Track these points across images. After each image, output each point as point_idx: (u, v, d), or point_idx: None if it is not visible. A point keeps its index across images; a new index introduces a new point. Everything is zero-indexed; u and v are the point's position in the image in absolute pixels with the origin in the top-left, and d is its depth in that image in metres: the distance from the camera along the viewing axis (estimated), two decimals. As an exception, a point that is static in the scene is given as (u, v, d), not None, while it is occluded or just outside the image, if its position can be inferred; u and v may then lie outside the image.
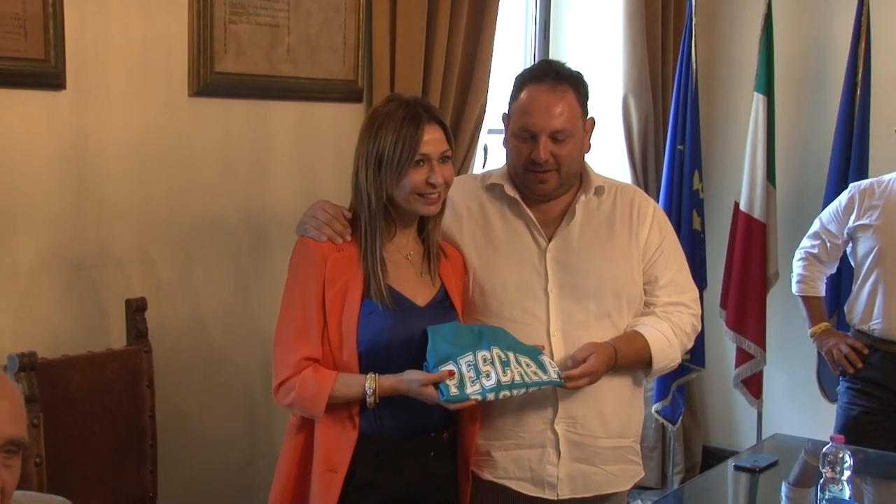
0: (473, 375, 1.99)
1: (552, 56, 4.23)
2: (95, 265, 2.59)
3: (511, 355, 2.06)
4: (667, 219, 2.38)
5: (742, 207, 4.02)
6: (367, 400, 2.01)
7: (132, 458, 2.35)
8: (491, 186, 2.30)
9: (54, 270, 2.51)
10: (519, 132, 2.20)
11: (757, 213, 3.98)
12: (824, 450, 2.15)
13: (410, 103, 2.08)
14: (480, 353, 2.02)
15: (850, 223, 3.25)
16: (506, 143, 2.28)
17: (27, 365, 2.05)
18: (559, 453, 2.22)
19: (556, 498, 2.23)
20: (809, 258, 3.41)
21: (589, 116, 2.26)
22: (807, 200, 4.17)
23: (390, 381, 2.01)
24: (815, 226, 3.40)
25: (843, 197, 3.32)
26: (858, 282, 3.26)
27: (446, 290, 2.16)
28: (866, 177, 3.77)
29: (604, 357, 2.15)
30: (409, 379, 2.00)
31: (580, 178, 2.29)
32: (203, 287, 2.85)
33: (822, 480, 2.13)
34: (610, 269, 2.25)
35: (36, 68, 2.39)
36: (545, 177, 2.19)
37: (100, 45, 2.54)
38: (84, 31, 2.50)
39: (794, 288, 3.47)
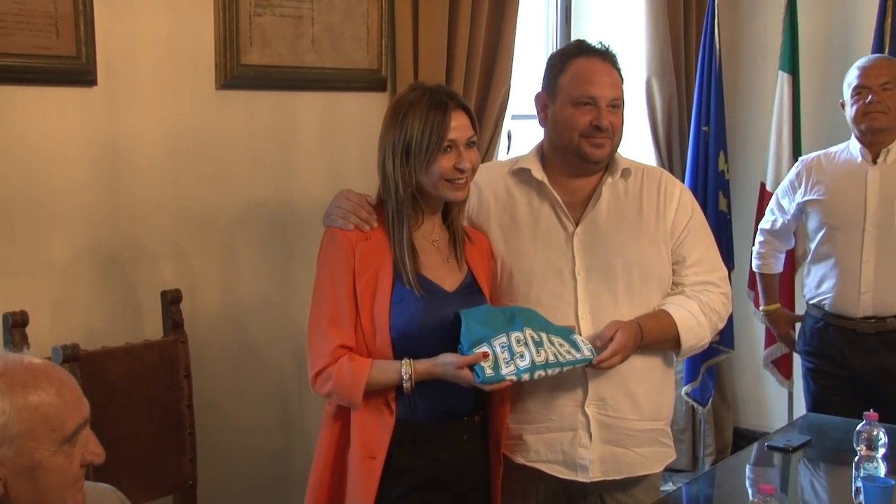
0: (507, 356, 2.01)
1: (574, 39, 4.23)
2: (129, 258, 2.63)
3: (544, 336, 2.07)
4: (694, 199, 2.38)
5: (768, 188, 3.99)
6: (404, 385, 2.02)
7: (172, 446, 2.39)
8: (518, 171, 2.32)
9: (89, 264, 2.55)
10: (578, 99, 2.22)
11: (783, 194, 3.97)
12: (858, 427, 2.14)
13: (435, 91, 2.09)
14: (514, 335, 2.04)
15: (799, 199, 3.26)
16: (546, 120, 2.30)
17: (70, 356, 2.09)
18: (591, 436, 2.23)
19: (587, 480, 2.25)
20: (765, 234, 3.47)
21: None
22: (834, 179, 4.15)
23: (425, 365, 2.03)
24: (773, 201, 3.44)
25: (792, 172, 3.34)
26: (810, 256, 3.29)
27: (473, 275, 2.18)
28: (894, 154, 3.76)
29: (629, 332, 2.15)
30: (444, 362, 2.01)
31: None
32: (233, 277, 2.88)
33: (856, 458, 2.13)
34: (637, 251, 2.25)
35: (68, 65, 2.43)
36: (603, 141, 2.22)
37: (129, 41, 2.58)
38: (113, 28, 2.53)
39: (753, 264, 3.55)
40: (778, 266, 3.50)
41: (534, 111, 4.30)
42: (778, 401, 4.39)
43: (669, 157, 4.24)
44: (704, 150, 4.06)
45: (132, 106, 2.60)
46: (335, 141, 3.11)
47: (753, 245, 3.53)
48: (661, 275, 2.28)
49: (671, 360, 2.35)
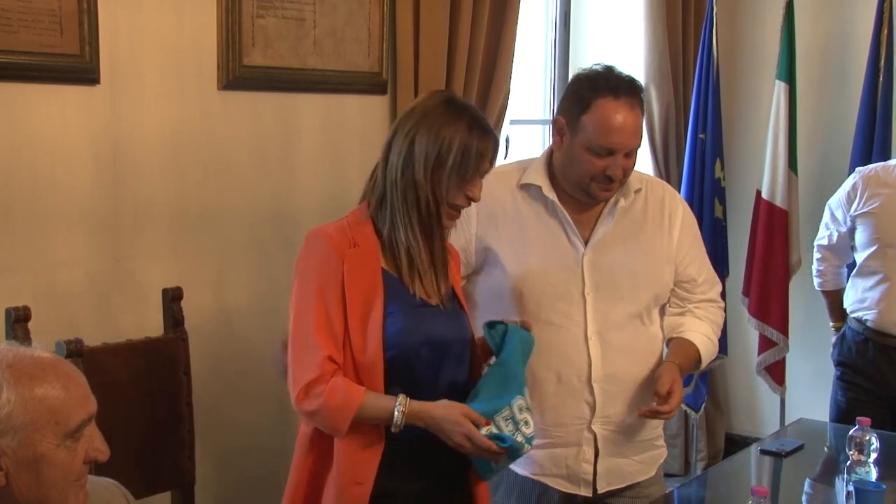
0: (512, 428, 1.92)
1: (573, 46, 4.26)
2: (129, 256, 2.64)
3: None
4: (692, 213, 2.43)
5: (764, 195, 4.03)
6: (395, 420, 1.88)
7: (171, 443, 2.40)
8: (526, 186, 2.28)
9: (90, 261, 2.56)
10: (597, 148, 2.15)
11: (779, 201, 4.00)
12: (851, 432, 2.17)
13: (474, 115, 1.97)
14: (516, 403, 1.95)
15: (853, 210, 3.18)
16: (561, 146, 2.22)
17: (74, 352, 2.10)
18: (596, 451, 2.25)
19: (590, 494, 2.27)
20: (822, 251, 3.39)
21: None
22: (829, 188, 4.13)
23: (423, 407, 1.90)
24: (826, 214, 3.36)
25: (848, 183, 3.25)
26: (857, 269, 3.22)
27: (454, 289, 2.08)
28: (889, 164, 3.79)
29: (678, 378, 2.23)
30: (448, 418, 1.89)
31: None
32: (233, 277, 2.90)
33: (848, 463, 2.15)
34: (644, 269, 2.28)
35: (71, 63, 2.45)
36: (613, 187, 2.21)
37: (132, 40, 2.59)
38: (117, 27, 2.55)
39: (814, 282, 3.47)
40: (840, 282, 3.39)
41: (531, 116, 4.33)
42: (770, 407, 4.42)
43: (666, 163, 4.26)
44: (701, 158, 4.09)
45: (135, 105, 2.62)
46: (336, 143, 3.13)
47: (812, 264, 3.45)
48: (664, 292, 2.34)
49: None
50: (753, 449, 2.60)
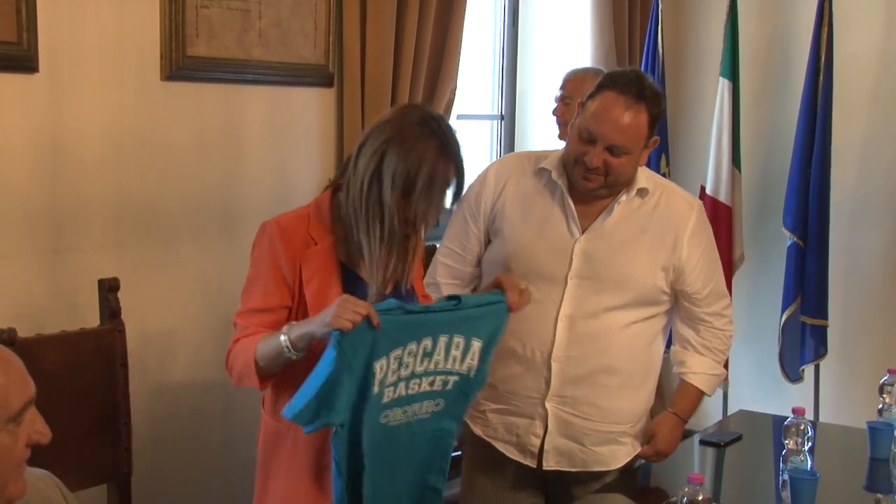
0: (395, 367, 1.90)
1: (521, 42, 4.28)
2: (70, 248, 2.61)
3: (443, 340, 1.95)
4: (706, 223, 2.40)
5: (708, 191, 4.08)
6: (284, 343, 1.85)
7: (107, 435, 2.36)
8: (540, 171, 2.34)
9: (29, 253, 2.52)
10: (583, 131, 2.21)
11: (723, 197, 4.05)
12: (786, 422, 2.21)
13: (445, 137, 1.95)
14: (409, 347, 1.91)
15: None
16: (571, 127, 2.29)
17: (6, 341, 2.06)
18: (546, 427, 2.30)
19: (535, 466, 2.33)
20: None
21: (654, 137, 2.25)
22: (771, 184, 4.25)
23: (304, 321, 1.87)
24: None
25: None
26: None
27: (413, 285, 2.13)
28: (829, 160, 3.88)
29: (666, 429, 2.39)
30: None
31: None
32: (175, 269, 2.87)
33: (784, 452, 2.19)
34: (633, 270, 2.29)
35: (8, 51, 2.41)
36: (592, 177, 2.22)
37: (73, 28, 2.56)
38: (57, 15, 2.51)
39: None
40: None
41: (478, 111, 4.34)
42: (713, 400, 4.42)
43: (613, 159, 4.29)
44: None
45: (75, 94, 2.58)
46: (281, 135, 3.11)
47: None
48: (653, 295, 2.32)
49: (653, 374, 2.47)
50: (694, 440, 2.64)
